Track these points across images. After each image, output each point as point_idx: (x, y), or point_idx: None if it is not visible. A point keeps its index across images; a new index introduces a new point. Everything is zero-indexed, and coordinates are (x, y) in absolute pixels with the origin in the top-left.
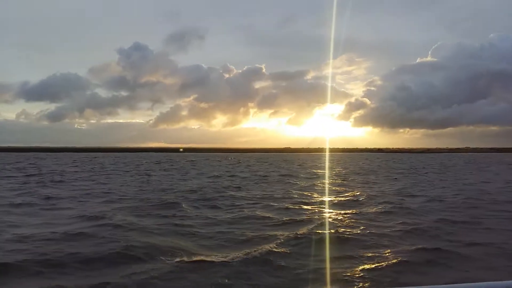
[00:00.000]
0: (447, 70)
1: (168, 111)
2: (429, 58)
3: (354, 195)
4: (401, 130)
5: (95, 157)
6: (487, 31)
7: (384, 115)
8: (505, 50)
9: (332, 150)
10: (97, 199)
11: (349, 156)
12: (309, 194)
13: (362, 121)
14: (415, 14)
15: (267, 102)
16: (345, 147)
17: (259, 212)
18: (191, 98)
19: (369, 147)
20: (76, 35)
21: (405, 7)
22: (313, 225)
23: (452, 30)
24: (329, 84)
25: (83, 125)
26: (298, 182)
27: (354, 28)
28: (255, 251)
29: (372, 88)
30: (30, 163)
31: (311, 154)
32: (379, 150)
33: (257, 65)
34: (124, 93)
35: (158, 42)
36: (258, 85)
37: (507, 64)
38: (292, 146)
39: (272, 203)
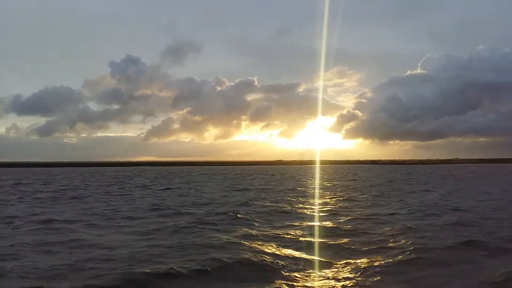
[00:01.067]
0: (436, 81)
1: (159, 125)
2: (418, 70)
3: None
4: (391, 142)
5: (86, 172)
6: (475, 42)
7: (375, 127)
8: (493, 61)
9: (324, 162)
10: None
11: (350, 169)
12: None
13: (353, 133)
14: (404, 26)
15: (259, 114)
16: (337, 159)
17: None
18: (183, 111)
19: (360, 159)
20: (69, 47)
21: (394, 19)
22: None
23: (440, 42)
24: (320, 96)
25: (73, 139)
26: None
27: (345, 40)
28: None
29: (363, 100)
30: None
31: (304, 166)
32: (373, 162)
33: (249, 77)
34: (116, 107)
35: (151, 55)
36: (250, 97)
37: (496, 75)
38: (284, 159)
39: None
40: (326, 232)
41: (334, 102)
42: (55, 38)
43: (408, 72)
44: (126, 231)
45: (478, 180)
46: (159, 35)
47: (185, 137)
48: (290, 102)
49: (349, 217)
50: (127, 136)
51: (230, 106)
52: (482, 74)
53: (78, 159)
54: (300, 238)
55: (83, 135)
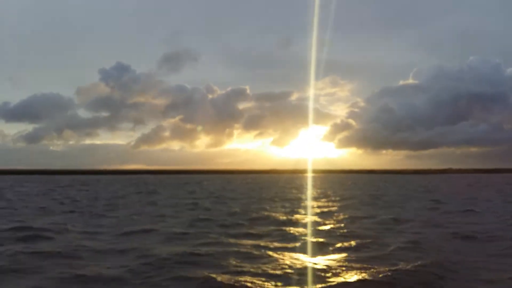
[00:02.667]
0: (428, 92)
1: (149, 132)
2: (410, 81)
3: None
4: (384, 152)
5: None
6: (466, 53)
7: (367, 137)
8: (484, 73)
9: (317, 172)
10: None
11: (347, 179)
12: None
13: (346, 142)
14: (396, 37)
15: (251, 123)
16: (331, 169)
17: None
18: (174, 118)
19: (354, 168)
20: (61, 54)
21: (386, 29)
22: None
23: (432, 52)
24: (313, 105)
25: (58, 146)
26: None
27: (338, 50)
28: None
29: (356, 110)
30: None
31: (298, 175)
32: (370, 172)
33: (241, 86)
34: (105, 114)
35: (143, 62)
36: (242, 106)
37: (487, 87)
38: (277, 168)
39: None
40: None
41: (326, 111)
42: (47, 45)
43: (401, 82)
44: None
45: None
46: (148, 43)
47: (176, 145)
48: (282, 111)
49: None
50: (116, 144)
51: (222, 114)
52: (473, 85)
53: (63, 166)
54: None
55: (71, 142)
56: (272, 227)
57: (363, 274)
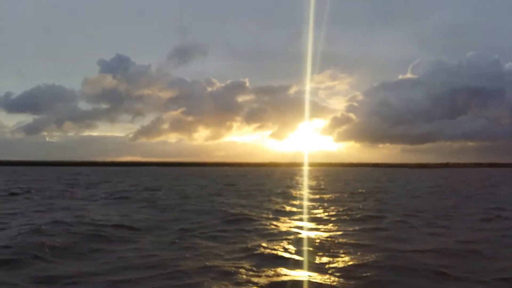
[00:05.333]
0: (427, 86)
1: (148, 124)
2: (409, 75)
3: None
4: (381, 145)
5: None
6: (465, 48)
7: (366, 130)
8: (483, 68)
9: (317, 165)
10: None
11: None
12: None
13: (345, 135)
14: (396, 30)
15: (250, 116)
16: (331, 162)
17: None
18: (173, 111)
19: (353, 161)
20: (66, 46)
21: (386, 23)
22: None
23: (430, 46)
24: (312, 99)
25: (57, 138)
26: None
27: (338, 44)
28: None
29: (354, 104)
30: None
31: (296, 168)
32: (375, 165)
33: (240, 79)
34: (105, 106)
35: (146, 55)
36: (241, 98)
37: (486, 82)
38: (275, 161)
39: None
40: None
41: (324, 104)
42: (53, 36)
43: (400, 77)
44: None
45: None
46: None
47: (174, 137)
48: (281, 104)
49: None
50: (114, 136)
51: (221, 107)
52: (471, 80)
53: (59, 158)
54: None
55: (70, 134)
56: None
57: None
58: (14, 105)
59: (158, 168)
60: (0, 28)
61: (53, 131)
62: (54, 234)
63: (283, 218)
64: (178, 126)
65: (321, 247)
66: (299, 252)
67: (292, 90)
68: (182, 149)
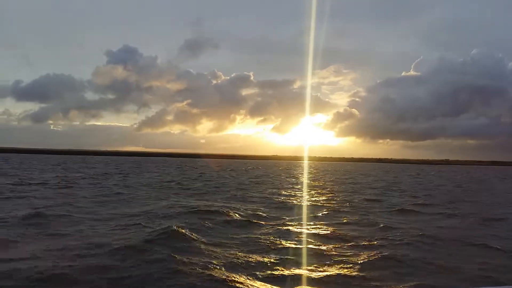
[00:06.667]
0: (430, 84)
1: (153, 115)
2: (412, 72)
3: None
4: (381, 141)
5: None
6: (469, 44)
7: (368, 126)
8: (487, 66)
9: (318, 159)
10: None
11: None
12: None
13: (346, 131)
14: (401, 27)
15: (254, 109)
16: (332, 156)
17: None
18: (178, 103)
19: (354, 156)
20: (77, 36)
21: (390, 19)
22: None
23: (434, 43)
24: (315, 94)
25: (62, 126)
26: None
27: (343, 40)
28: None
29: (357, 99)
30: None
31: (298, 162)
32: (379, 160)
33: (245, 72)
34: (111, 96)
35: (150, 46)
36: (245, 92)
37: (489, 80)
38: (279, 154)
39: None
40: None
41: (327, 100)
42: (62, 26)
43: (403, 73)
44: None
45: None
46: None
47: (178, 129)
48: (284, 98)
49: None
50: (119, 126)
51: (225, 100)
52: (474, 78)
53: (62, 146)
54: None
55: (75, 123)
56: None
57: None
58: (23, 93)
59: (166, 158)
60: (11, 18)
61: (58, 119)
62: None
63: None
64: (182, 117)
65: None
66: None
67: (296, 85)
68: (185, 141)
